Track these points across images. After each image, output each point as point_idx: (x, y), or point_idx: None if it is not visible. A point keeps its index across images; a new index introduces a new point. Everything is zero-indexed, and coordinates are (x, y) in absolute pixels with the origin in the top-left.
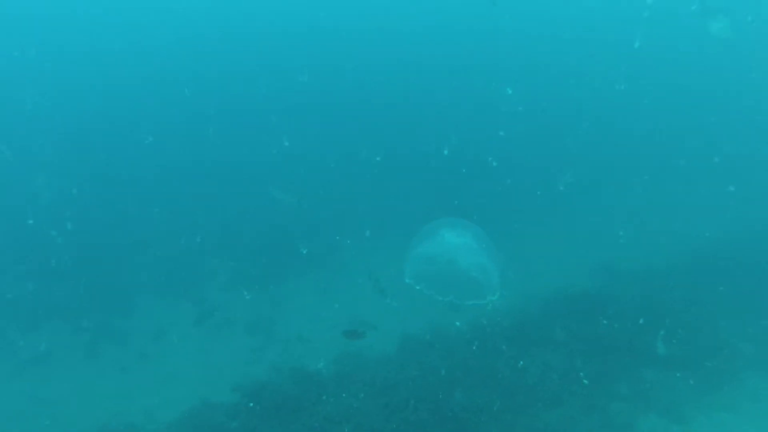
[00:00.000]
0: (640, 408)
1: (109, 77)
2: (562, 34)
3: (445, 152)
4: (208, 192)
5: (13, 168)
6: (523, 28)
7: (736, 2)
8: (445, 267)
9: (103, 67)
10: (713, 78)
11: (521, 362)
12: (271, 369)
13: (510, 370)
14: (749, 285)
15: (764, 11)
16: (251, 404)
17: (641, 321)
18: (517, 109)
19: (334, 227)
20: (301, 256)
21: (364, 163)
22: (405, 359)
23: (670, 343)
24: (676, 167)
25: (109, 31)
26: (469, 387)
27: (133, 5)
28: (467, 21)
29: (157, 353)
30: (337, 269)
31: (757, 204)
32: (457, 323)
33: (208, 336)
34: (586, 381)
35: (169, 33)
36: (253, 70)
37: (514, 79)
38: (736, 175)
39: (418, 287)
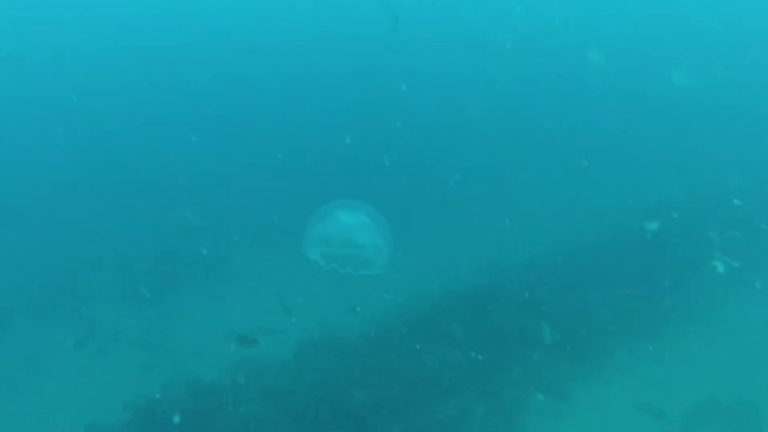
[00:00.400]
0: (529, 390)
1: None
2: (455, 38)
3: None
4: (90, 204)
5: None
6: (419, 32)
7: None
8: (341, 243)
9: None
10: (597, 76)
11: (419, 356)
12: (165, 385)
13: (407, 365)
14: (618, 273)
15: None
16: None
17: (526, 310)
18: (412, 108)
19: (228, 234)
20: (193, 266)
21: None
22: (303, 364)
23: (553, 328)
24: (558, 165)
25: None
26: (368, 385)
27: None
28: (363, 22)
29: (36, 379)
30: (232, 278)
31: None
32: (353, 324)
33: (93, 358)
34: (479, 369)
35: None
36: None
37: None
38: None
39: (322, 263)
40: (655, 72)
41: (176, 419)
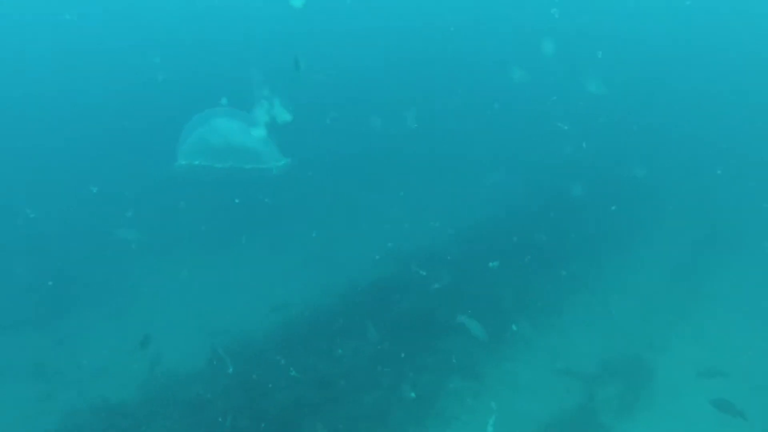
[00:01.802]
0: (444, 374)
1: None
2: None
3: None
4: None
5: None
6: None
7: None
8: (221, 142)
9: None
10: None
11: (333, 353)
12: (66, 414)
13: (325, 363)
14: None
15: None
16: None
17: (436, 298)
18: None
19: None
20: (85, 285)
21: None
22: (215, 372)
23: (463, 312)
24: (450, 158)
25: None
26: (286, 386)
27: None
28: None
29: None
30: (127, 293)
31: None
32: (261, 327)
33: None
34: (397, 359)
35: None
36: None
37: None
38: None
39: (195, 162)
40: None
41: None
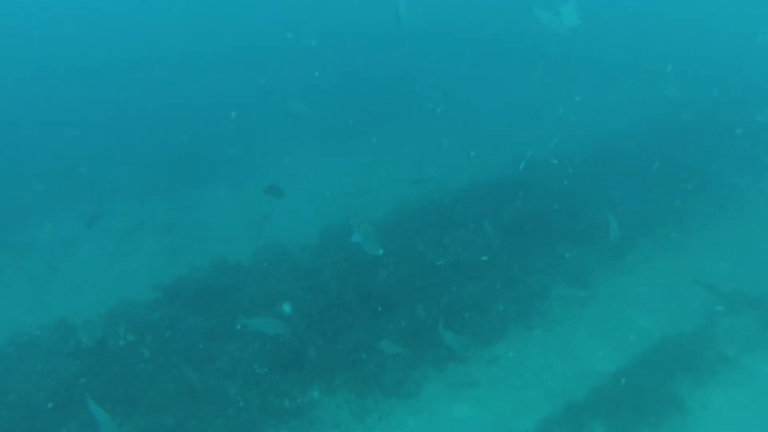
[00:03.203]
0: (552, 278)
1: None
2: None
3: None
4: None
5: None
6: None
7: None
8: None
9: None
10: None
11: (441, 240)
12: (190, 266)
13: (432, 249)
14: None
15: None
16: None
17: (555, 206)
18: None
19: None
20: (209, 161)
21: None
22: (325, 246)
23: (578, 222)
24: None
25: None
26: (392, 266)
27: None
28: None
29: (67, 263)
30: (249, 169)
31: None
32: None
33: (120, 243)
34: (504, 256)
35: None
36: None
37: None
38: None
39: None
40: None
41: (200, 294)
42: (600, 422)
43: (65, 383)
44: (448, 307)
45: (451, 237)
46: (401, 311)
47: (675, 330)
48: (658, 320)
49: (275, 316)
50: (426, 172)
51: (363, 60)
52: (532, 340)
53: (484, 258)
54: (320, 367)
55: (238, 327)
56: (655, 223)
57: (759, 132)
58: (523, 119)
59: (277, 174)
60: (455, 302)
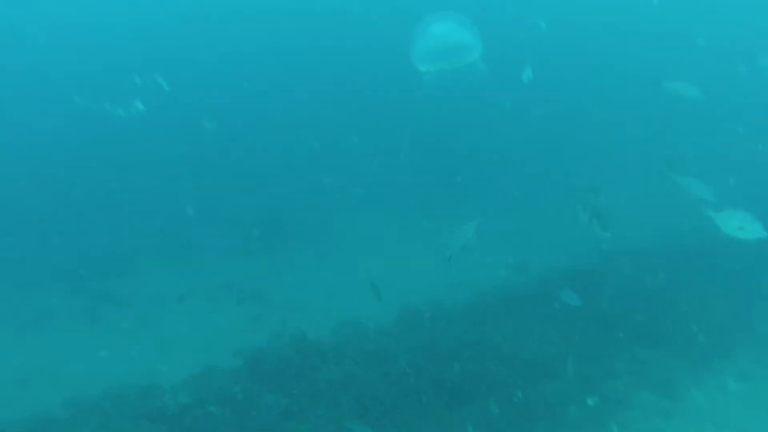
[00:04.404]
0: (634, 384)
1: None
2: None
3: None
4: (206, 164)
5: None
6: None
7: None
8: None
9: None
10: None
11: (519, 335)
12: (271, 336)
13: (508, 343)
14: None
15: None
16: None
17: (638, 302)
18: None
19: (330, 197)
20: (296, 227)
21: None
22: (403, 330)
23: (664, 323)
24: None
25: None
26: (468, 358)
27: None
28: None
29: (157, 318)
30: (334, 240)
31: None
32: (454, 296)
33: (206, 302)
34: (583, 355)
35: None
36: None
37: None
38: None
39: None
40: None
41: (280, 369)
42: None
43: None
44: (521, 405)
45: (528, 332)
46: (474, 405)
47: None
48: None
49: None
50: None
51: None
52: None
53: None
54: None
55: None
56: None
57: None
58: None
59: (359, 246)
60: (529, 401)
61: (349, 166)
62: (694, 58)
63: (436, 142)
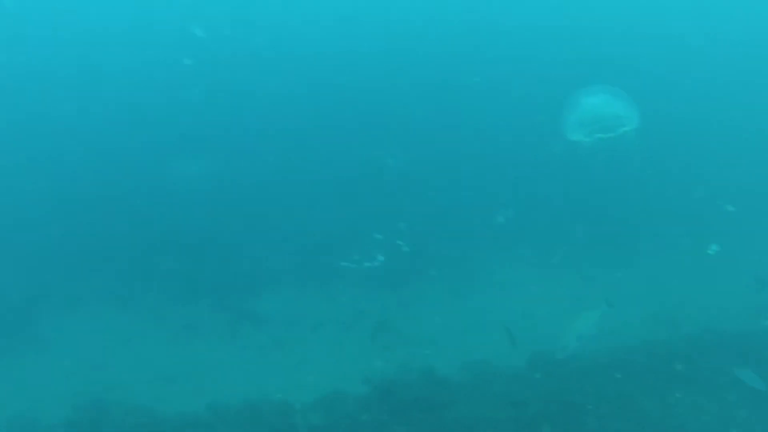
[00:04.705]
0: None
1: None
2: None
3: None
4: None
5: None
6: None
7: None
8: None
9: None
10: None
11: (668, 398)
12: (400, 368)
13: (654, 405)
14: None
15: None
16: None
17: None
18: None
19: (466, 231)
20: (431, 259)
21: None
22: (536, 376)
23: None
24: None
25: None
26: (605, 416)
27: None
28: None
29: (292, 340)
30: (468, 276)
31: None
32: (595, 345)
33: (339, 329)
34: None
35: None
36: None
37: None
38: None
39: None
40: None
41: (408, 402)
42: None
43: None
44: None
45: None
46: None
47: None
48: None
49: None
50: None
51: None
52: None
53: None
54: None
55: None
56: None
57: None
58: None
59: (498, 284)
60: None
61: (495, 212)
62: None
63: (587, 194)
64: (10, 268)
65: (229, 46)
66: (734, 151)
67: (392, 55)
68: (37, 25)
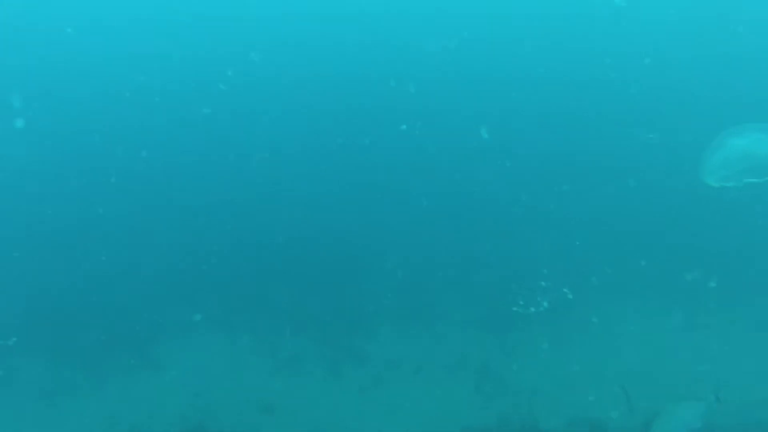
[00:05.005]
0: None
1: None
2: None
3: None
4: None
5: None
6: None
7: None
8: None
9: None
10: None
11: None
12: (501, 419)
13: None
14: None
15: None
16: None
17: None
18: None
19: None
20: (536, 308)
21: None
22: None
23: None
24: None
25: None
26: None
27: None
28: None
29: (392, 381)
30: (575, 326)
31: None
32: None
33: (441, 373)
34: None
35: None
36: None
37: None
38: None
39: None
40: None
41: None
42: None
43: None
44: None
45: None
46: None
47: None
48: None
49: None
50: None
51: None
52: None
53: None
54: None
55: None
56: None
57: None
58: None
59: (611, 337)
60: None
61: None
62: None
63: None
64: (136, 291)
65: None
66: None
67: None
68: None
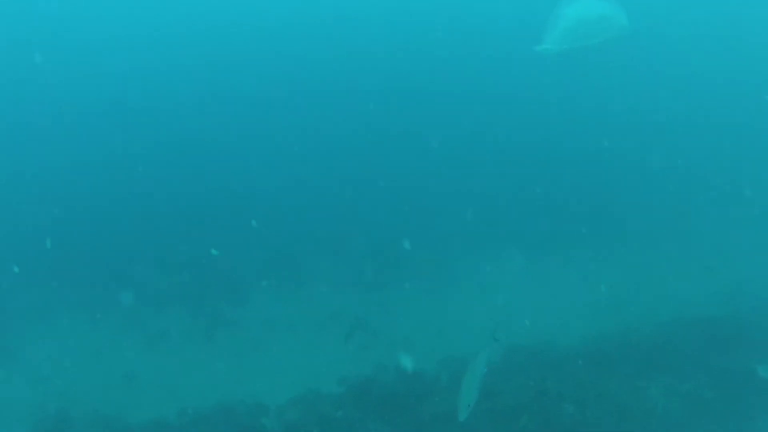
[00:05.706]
0: None
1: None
2: None
3: None
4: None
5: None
6: None
7: None
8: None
9: None
10: None
11: (635, 382)
12: (376, 367)
13: (625, 391)
14: None
15: None
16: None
17: None
18: None
19: (445, 228)
20: (408, 261)
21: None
22: (510, 368)
23: None
24: None
25: None
26: (580, 402)
27: None
28: None
29: (267, 342)
30: (445, 276)
31: None
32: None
33: (315, 331)
34: (713, 410)
35: None
36: None
37: None
38: None
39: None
40: None
41: (384, 399)
42: None
43: None
44: None
45: (649, 381)
46: None
47: None
48: None
49: None
50: None
51: None
52: None
53: None
54: None
55: None
56: None
57: None
58: None
59: (477, 283)
60: None
61: (476, 200)
62: None
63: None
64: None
65: None
66: None
67: None
68: None
